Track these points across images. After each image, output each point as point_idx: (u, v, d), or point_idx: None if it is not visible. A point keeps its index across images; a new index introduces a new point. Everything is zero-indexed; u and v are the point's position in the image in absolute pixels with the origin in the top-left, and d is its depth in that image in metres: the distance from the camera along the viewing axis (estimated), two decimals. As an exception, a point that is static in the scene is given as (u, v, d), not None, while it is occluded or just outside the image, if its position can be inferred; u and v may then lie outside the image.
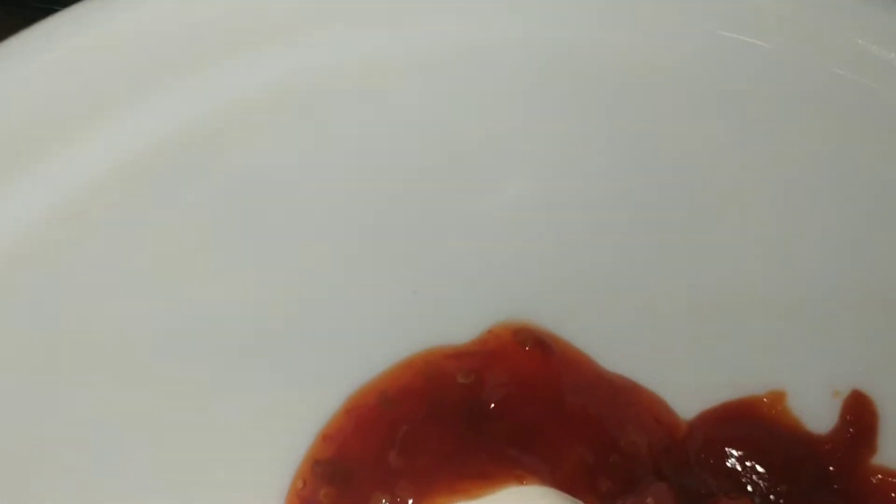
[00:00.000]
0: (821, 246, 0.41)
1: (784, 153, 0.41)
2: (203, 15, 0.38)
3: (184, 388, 0.39)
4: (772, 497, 0.39)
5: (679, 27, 0.41)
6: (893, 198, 0.41)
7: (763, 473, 0.40)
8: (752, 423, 0.41)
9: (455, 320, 0.42)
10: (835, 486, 0.40)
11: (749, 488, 0.40)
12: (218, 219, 0.39)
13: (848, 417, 0.40)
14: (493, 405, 0.40)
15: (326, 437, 0.40)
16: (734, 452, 0.40)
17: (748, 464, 0.40)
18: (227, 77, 0.38)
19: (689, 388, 0.42)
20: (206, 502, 0.39)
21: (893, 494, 0.39)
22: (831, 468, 0.40)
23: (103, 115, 0.36)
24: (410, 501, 0.37)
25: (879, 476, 0.39)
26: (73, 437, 0.37)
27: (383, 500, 0.38)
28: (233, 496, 0.39)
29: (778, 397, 0.41)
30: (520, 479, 0.38)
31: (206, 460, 0.39)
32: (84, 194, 0.36)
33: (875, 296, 0.41)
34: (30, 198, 0.35)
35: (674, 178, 0.42)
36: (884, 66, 0.39)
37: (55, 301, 0.36)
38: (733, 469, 0.40)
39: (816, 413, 0.41)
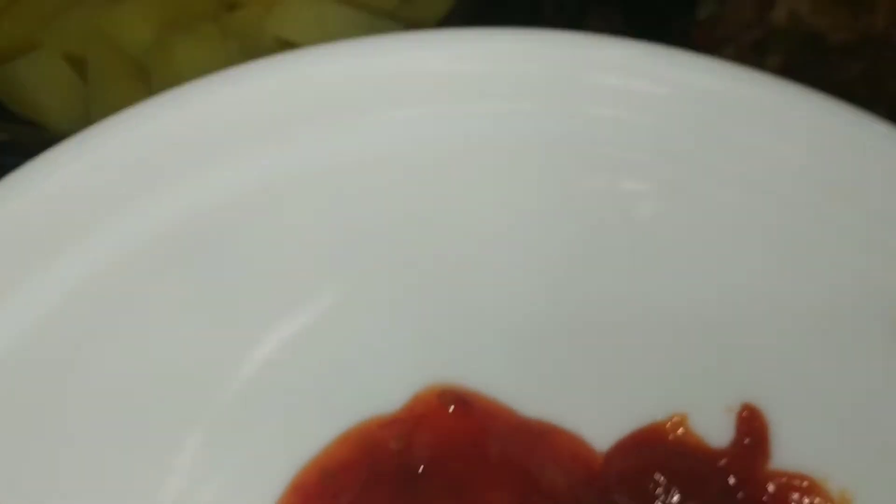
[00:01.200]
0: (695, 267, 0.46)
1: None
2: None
3: (130, 468, 0.43)
4: (683, 513, 0.44)
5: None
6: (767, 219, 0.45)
7: (674, 492, 0.44)
8: (660, 446, 0.45)
9: (385, 391, 0.47)
10: (739, 496, 0.43)
11: (662, 508, 0.44)
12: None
13: (742, 430, 0.44)
14: (422, 466, 0.44)
15: (277, 516, 0.44)
16: (647, 476, 0.44)
17: (660, 485, 0.44)
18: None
19: (601, 422, 0.46)
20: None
21: (793, 494, 0.43)
22: (732, 479, 0.44)
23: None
24: (352, 564, 0.42)
25: (778, 479, 0.43)
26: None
27: (329, 566, 0.42)
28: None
29: (680, 420, 0.45)
30: (450, 531, 0.42)
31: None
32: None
33: (752, 312, 0.45)
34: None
35: (558, 221, 0.47)
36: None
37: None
38: (648, 492, 0.44)
39: (715, 430, 0.45)
